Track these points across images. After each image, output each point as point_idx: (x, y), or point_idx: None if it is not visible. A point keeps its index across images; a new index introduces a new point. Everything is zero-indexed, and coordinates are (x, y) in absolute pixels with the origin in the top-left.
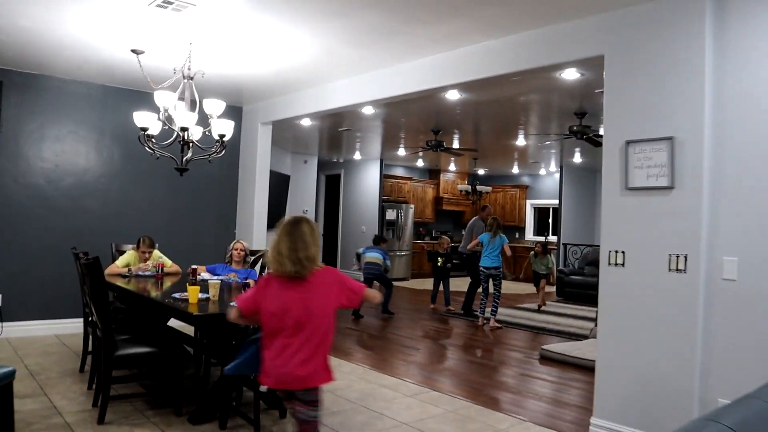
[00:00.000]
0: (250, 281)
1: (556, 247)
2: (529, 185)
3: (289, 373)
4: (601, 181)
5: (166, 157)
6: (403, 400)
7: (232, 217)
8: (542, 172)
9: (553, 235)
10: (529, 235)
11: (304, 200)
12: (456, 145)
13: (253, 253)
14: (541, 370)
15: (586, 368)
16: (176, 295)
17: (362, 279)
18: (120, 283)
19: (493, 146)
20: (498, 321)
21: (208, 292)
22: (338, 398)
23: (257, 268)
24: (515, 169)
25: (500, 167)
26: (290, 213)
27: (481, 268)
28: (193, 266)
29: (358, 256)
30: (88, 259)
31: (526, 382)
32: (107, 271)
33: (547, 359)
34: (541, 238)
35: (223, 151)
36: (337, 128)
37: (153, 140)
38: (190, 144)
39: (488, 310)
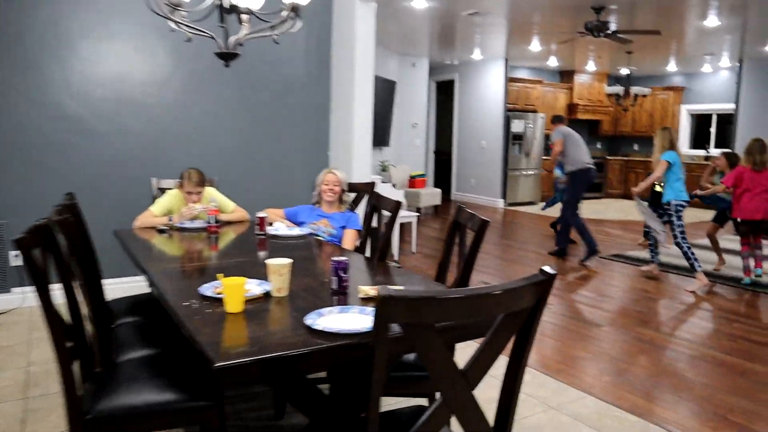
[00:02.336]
0: (351, 232)
1: None
2: (685, 87)
3: None
4: None
5: (203, 36)
6: None
7: (324, 136)
8: (706, 68)
9: (716, 147)
10: (684, 148)
11: (412, 111)
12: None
13: (352, 188)
14: None
15: None
16: (205, 288)
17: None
18: (158, 244)
19: (676, 27)
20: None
21: (268, 280)
22: None
23: (360, 211)
24: (671, 66)
25: (652, 64)
26: (398, 124)
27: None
28: (261, 213)
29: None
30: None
31: None
32: (137, 223)
33: None
34: (702, 152)
35: (297, 25)
36: (461, 12)
37: (182, 10)
38: (241, 15)
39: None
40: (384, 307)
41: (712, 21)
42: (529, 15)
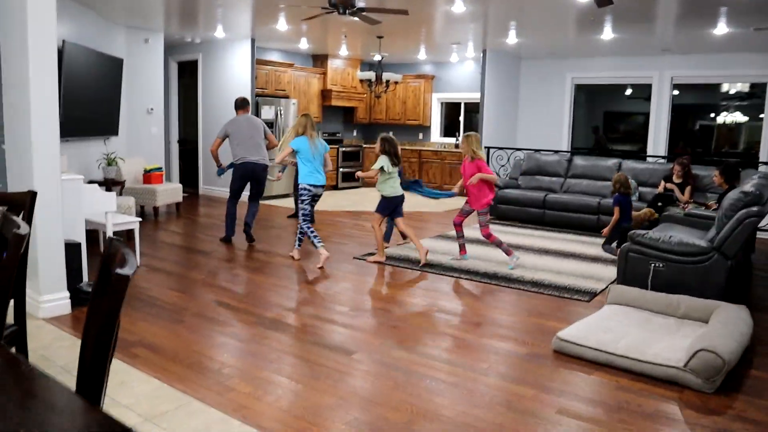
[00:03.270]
0: None
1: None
2: (435, 75)
3: None
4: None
5: None
6: None
7: None
8: (453, 58)
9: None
10: (436, 136)
11: (147, 95)
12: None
13: (3, 200)
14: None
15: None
16: None
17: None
18: None
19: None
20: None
21: None
22: None
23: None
24: (422, 55)
25: (404, 52)
26: (128, 111)
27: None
28: None
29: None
30: None
31: None
32: None
33: (563, 354)
34: (452, 140)
35: None
36: None
37: None
38: None
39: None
40: None
41: (459, 7)
42: None
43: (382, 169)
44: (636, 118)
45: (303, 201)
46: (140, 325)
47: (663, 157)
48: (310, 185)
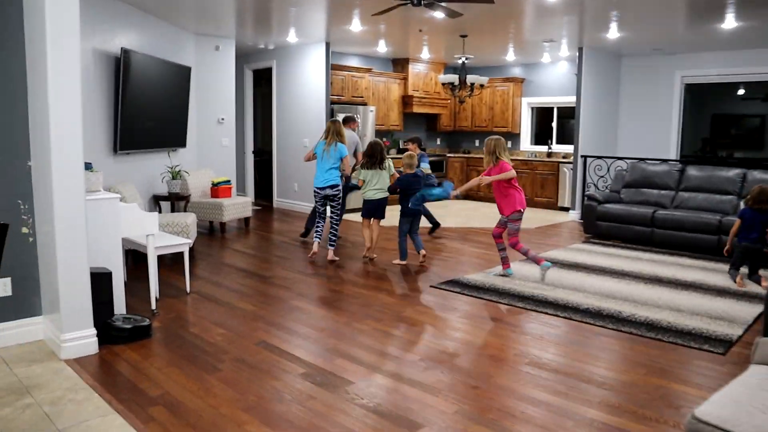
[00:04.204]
0: None
1: (572, 161)
2: (525, 78)
3: None
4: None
5: None
6: None
7: (21, 138)
8: (545, 58)
9: (559, 143)
10: (526, 144)
11: (220, 103)
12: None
13: None
14: None
15: None
16: None
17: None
18: None
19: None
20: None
21: None
22: None
23: None
24: (510, 56)
25: (490, 53)
26: (198, 121)
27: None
28: None
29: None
30: None
31: None
32: None
33: None
34: (543, 148)
35: None
36: None
37: None
38: None
39: None
40: None
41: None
42: None
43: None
44: (751, 120)
45: (316, 201)
46: (170, 372)
47: None
48: (314, 187)
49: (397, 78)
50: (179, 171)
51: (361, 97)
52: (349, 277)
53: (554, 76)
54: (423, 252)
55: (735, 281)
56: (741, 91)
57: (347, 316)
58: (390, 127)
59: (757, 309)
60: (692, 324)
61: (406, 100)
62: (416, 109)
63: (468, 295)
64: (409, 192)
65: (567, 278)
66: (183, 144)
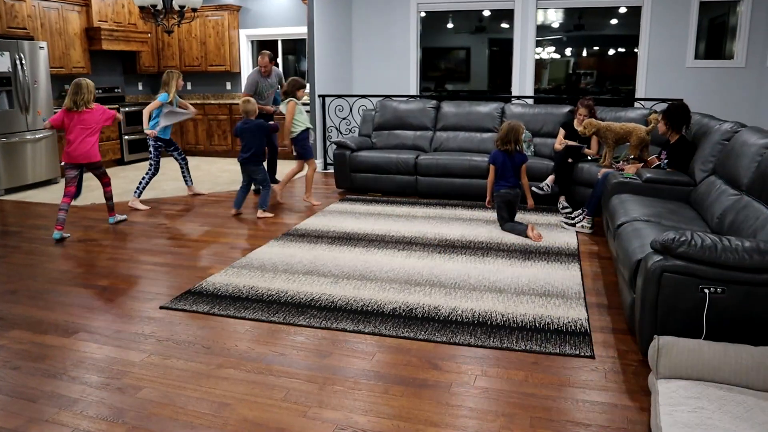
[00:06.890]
0: None
1: (309, 103)
2: (241, 6)
3: None
4: None
5: None
6: None
7: None
8: None
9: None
10: None
11: None
12: None
13: None
14: None
15: None
16: None
17: None
18: None
19: None
20: None
21: None
22: None
23: None
24: None
25: None
26: None
27: None
28: None
29: None
30: None
31: None
32: None
33: None
34: None
35: None
36: None
37: None
38: None
39: None
40: None
41: None
42: None
43: None
44: (456, 53)
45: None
46: None
47: (528, 97)
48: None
49: (77, 4)
50: None
51: (24, 29)
52: None
53: (276, 3)
54: None
55: (528, 236)
56: (450, 25)
57: None
58: (72, 70)
59: (573, 273)
60: (527, 311)
61: (91, 34)
62: (106, 46)
63: None
64: None
65: (341, 258)
66: None
